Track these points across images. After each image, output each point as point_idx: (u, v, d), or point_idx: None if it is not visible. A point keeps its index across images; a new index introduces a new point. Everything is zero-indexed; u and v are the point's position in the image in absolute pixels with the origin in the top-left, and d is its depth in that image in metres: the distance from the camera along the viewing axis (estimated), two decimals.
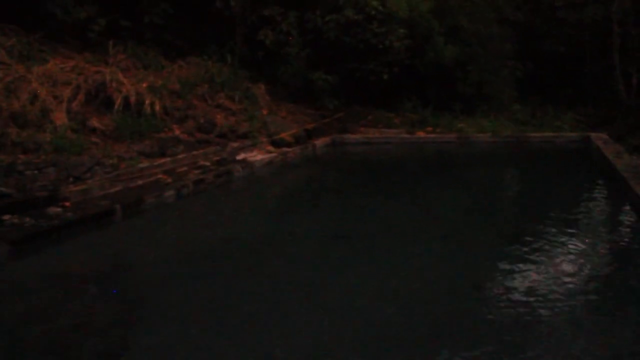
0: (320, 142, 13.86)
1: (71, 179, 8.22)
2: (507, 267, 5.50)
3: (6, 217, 6.63)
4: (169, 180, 8.99)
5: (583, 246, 6.08)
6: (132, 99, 10.88)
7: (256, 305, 4.72)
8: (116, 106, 10.65)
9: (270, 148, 12.23)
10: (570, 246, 6.03)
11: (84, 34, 12.03)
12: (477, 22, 17.18)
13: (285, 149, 12.38)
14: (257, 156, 11.38)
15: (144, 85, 11.53)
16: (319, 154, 13.45)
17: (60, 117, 9.73)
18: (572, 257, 5.70)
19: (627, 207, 7.59)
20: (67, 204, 7.34)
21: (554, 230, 6.72)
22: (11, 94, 9.59)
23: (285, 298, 4.89)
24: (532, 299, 4.64)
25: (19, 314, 4.65)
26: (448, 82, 16.66)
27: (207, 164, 10.16)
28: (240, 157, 11.10)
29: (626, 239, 6.65)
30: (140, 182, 8.66)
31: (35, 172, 8.20)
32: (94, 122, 10.18)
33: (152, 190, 8.36)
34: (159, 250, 6.41)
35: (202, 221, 7.76)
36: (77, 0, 11.89)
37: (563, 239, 6.30)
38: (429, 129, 15.56)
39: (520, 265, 5.49)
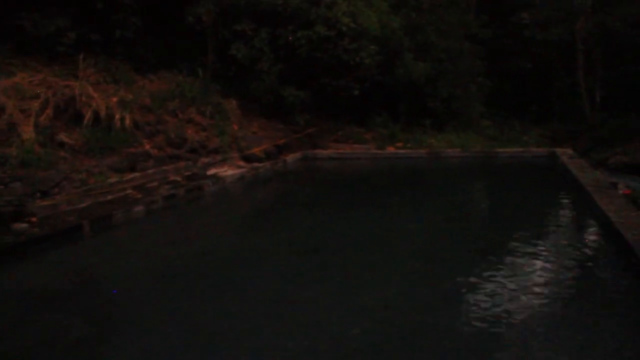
0: (291, 157, 13.91)
1: (38, 194, 8.11)
2: (476, 280, 5.58)
3: None
4: (139, 195, 8.94)
5: (550, 259, 6.21)
6: (102, 113, 10.78)
7: (225, 321, 4.71)
8: (85, 120, 10.54)
9: (242, 163, 12.24)
10: (537, 259, 6.15)
11: (54, 47, 11.91)
12: (447, 39, 17.49)
13: (256, 164, 12.40)
14: (228, 171, 11.37)
15: (114, 99, 11.44)
16: (290, 169, 13.49)
17: (27, 131, 9.58)
18: (538, 269, 5.82)
19: (591, 220, 7.76)
20: (34, 219, 7.25)
21: (521, 243, 6.84)
22: None
23: (255, 313, 4.88)
24: (499, 309, 4.72)
25: None
26: (418, 98, 16.91)
27: (178, 179, 10.13)
28: (211, 172, 11.08)
29: (591, 250, 6.80)
30: (109, 197, 8.59)
31: (1, 187, 8.07)
32: (63, 137, 10.06)
33: (122, 206, 8.31)
34: (128, 266, 6.36)
35: (172, 237, 7.71)
36: (47, 14, 11.77)
37: (530, 251, 6.43)
38: (399, 144, 15.73)
39: (489, 277, 5.58)
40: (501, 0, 21.18)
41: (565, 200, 9.77)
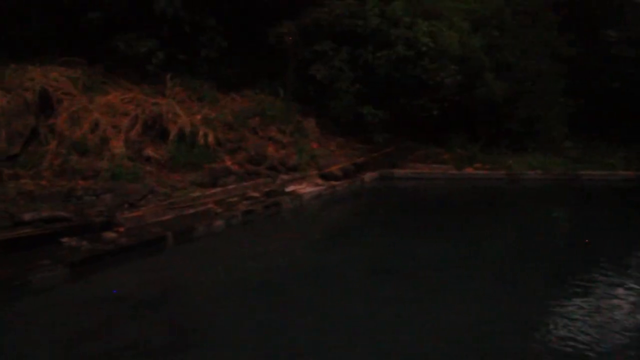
0: (368, 176, 13.94)
1: (126, 206, 8.52)
2: (556, 308, 5.43)
3: (65, 240, 6.94)
4: (220, 209, 9.21)
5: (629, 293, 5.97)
6: (187, 130, 11.24)
7: (301, 337, 4.79)
8: (171, 137, 11.01)
9: (319, 181, 12.37)
10: (617, 290, 5.94)
11: (144, 66, 12.53)
12: (528, 59, 17.12)
13: (333, 182, 12.50)
14: (306, 189, 11.53)
15: (198, 117, 11.91)
16: (368, 187, 13.51)
17: (118, 146, 10.13)
18: (617, 300, 5.61)
19: None
20: (122, 229, 7.62)
21: (602, 271, 6.60)
22: (74, 123, 10.06)
23: (329, 331, 4.94)
24: (582, 339, 4.57)
25: (75, 334, 4.84)
26: (498, 118, 16.58)
27: (257, 195, 10.35)
28: (289, 189, 11.26)
29: None
30: (191, 210, 8.89)
31: (93, 197, 8.55)
32: (150, 152, 10.55)
33: (203, 219, 8.59)
34: (209, 277, 6.58)
35: (250, 251, 7.88)
36: (138, 35, 12.43)
37: (613, 281, 6.19)
38: (478, 165, 15.47)
39: (566, 307, 5.41)
40: (587, 18, 20.52)
41: None
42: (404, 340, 4.70)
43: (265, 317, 5.22)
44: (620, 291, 5.89)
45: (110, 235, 7.34)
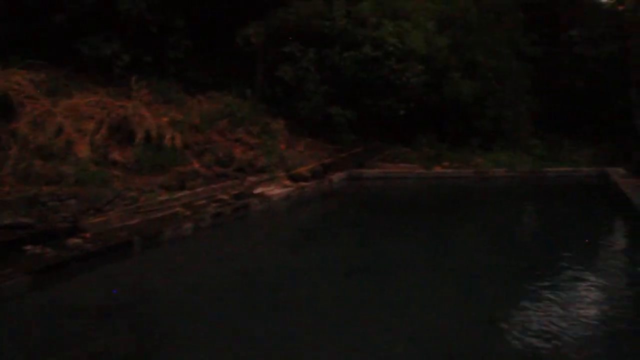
0: (337, 176, 13.97)
1: (92, 211, 8.39)
2: (523, 302, 5.51)
3: (28, 247, 6.81)
4: (188, 213, 9.14)
5: (598, 280, 6.10)
6: (154, 132, 11.13)
7: (272, 339, 4.78)
8: (137, 140, 10.89)
9: (288, 182, 12.36)
10: (583, 279, 6.06)
11: (109, 69, 12.37)
12: (494, 58, 17.34)
13: (302, 184, 12.50)
14: (274, 190, 11.50)
15: (165, 119, 11.80)
16: (336, 188, 13.54)
17: (83, 150, 9.98)
18: (583, 289, 5.73)
19: None
20: (87, 235, 7.51)
21: (569, 267, 6.73)
22: (38, 127, 9.88)
23: (300, 332, 4.94)
24: (547, 334, 4.64)
25: (39, 344, 4.75)
26: (465, 117, 16.76)
27: (225, 197, 10.30)
28: (257, 191, 11.23)
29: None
30: (159, 214, 8.81)
31: (58, 203, 8.40)
32: (116, 155, 10.42)
33: (171, 223, 8.51)
34: (177, 282, 6.52)
35: (220, 254, 7.85)
36: (103, 38, 12.26)
37: (579, 274, 6.32)
38: (446, 164, 15.62)
39: (537, 298, 5.50)
40: (550, 18, 20.89)
41: (616, 221, 9.53)
42: (373, 341, 4.71)
43: (236, 322, 5.19)
44: (585, 284, 6.01)
45: (75, 241, 7.22)
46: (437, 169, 15.29)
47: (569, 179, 14.39)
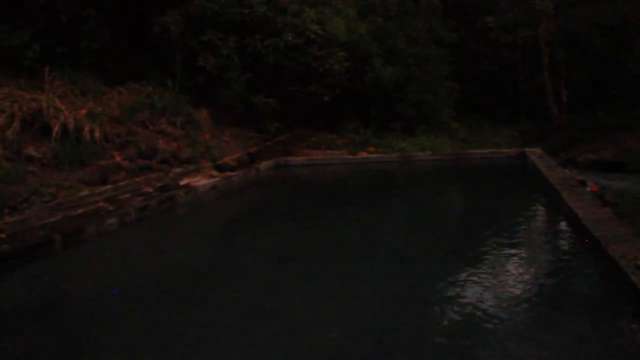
0: (264, 165, 13.89)
1: (7, 210, 7.97)
2: (450, 280, 5.63)
3: None
4: (111, 208, 8.83)
5: (524, 256, 6.32)
6: (71, 126, 10.65)
7: (201, 332, 4.67)
8: (54, 134, 10.40)
9: (214, 173, 12.17)
10: (511, 257, 6.26)
11: (18, 60, 11.74)
12: (414, 44, 17.67)
13: (229, 173, 12.34)
14: (200, 181, 11.30)
15: (83, 111, 11.32)
16: (263, 177, 13.46)
17: None
18: (513, 267, 5.92)
19: (560, 217, 7.90)
20: (3, 235, 7.12)
21: (495, 242, 6.95)
22: None
23: (231, 323, 4.84)
24: (478, 311, 4.75)
25: None
26: (388, 103, 17.02)
27: (150, 190, 10.03)
28: (183, 182, 11.00)
29: (561, 246, 6.92)
30: (80, 210, 8.47)
31: None
32: (31, 151, 9.92)
33: (94, 219, 8.20)
34: (101, 280, 6.28)
35: (146, 249, 7.62)
36: (10, 27, 11.61)
37: (503, 250, 6.52)
38: (371, 149, 15.82)
39: (462, 277, 5.63)
40: (467, 5, 21.47)
41: (535, 199, 9.91)
42: (303, 328, 4.68)
43: (159, 317, 5.03)
44: (512, 260, 6.20)
45: None
46: (363, 154, 15.45)
47: (491, 160, 14.89)
